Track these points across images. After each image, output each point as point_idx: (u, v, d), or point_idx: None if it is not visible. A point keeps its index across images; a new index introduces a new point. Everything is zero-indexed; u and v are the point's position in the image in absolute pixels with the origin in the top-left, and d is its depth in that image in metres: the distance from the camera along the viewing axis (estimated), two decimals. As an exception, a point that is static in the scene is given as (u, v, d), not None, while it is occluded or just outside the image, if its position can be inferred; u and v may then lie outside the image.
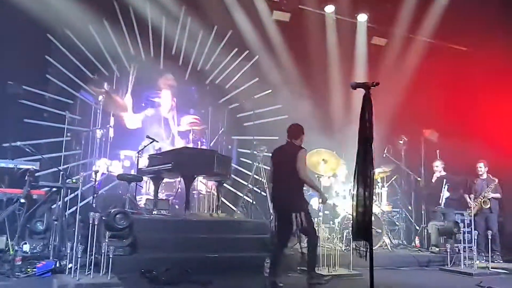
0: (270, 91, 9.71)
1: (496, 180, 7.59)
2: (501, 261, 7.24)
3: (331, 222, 7.52)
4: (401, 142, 8.57)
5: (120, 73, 8.94)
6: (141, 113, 9.22)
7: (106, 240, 4.73)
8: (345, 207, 7.33)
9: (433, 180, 8.26)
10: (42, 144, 7.62)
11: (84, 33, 8.36)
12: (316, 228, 6.85)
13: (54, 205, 6.40)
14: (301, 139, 5.18)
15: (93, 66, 8.60)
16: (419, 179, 8.49)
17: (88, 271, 4.71)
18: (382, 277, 5.79)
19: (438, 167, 8.12)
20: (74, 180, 5.59)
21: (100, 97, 8.65)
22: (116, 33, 8.73)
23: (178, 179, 8.40)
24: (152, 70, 9.23)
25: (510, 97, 8.95)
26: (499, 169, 8.02)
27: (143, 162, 7.74)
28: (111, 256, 4.57)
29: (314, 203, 8.10)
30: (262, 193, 8.49)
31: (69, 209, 6.42)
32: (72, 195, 6.54)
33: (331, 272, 5.64)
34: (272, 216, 7.18)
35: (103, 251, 4.67)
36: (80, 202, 6.04)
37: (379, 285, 5.26)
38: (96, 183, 7.00)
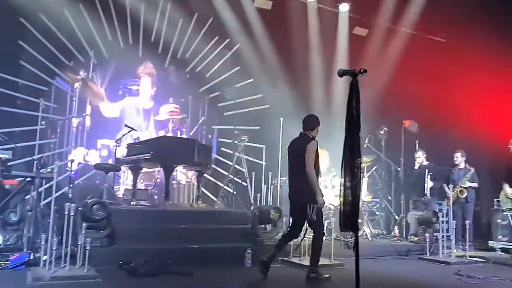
0: (251, 80, 9.60)
1: (473, 169, 7.70)
2: (475, 250, 7.37)
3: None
4: (382, 132, 8.60)
5: (97, 60, 8.66)
6: (119, 101, 8.99)
7: (83, 232, 4.58)
8: (326, 198, 7.31)
9: (416, 167, 8.27)
10: (15, 133, 7.35)
11: (59, 17, 8.04)
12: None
13: (28, 196, 6.20)
14: (317, 130, 5.14)
15: (68, 52, 8.30)
16: (399, 169, 8.55)
17: (63, 264, 4.57)
18: (363, 267, 5.78)
19: (420, 157, 8.17)
20: (49, 170, 5.39)
21: (76, 85, 8.40)
22: (93, 19, 8.44)
23: (157, 168, 8.28)
24: (131, 58, 8.99)
25: (487, 88, 9.10)
26: (477, 159, 8.15)
27: (121, 152, 7.58)
28: (88, 248, 4.44)
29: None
30: (243, 183, 8.42)
31: (43, 200, 6.23)
32: (47, 185, 6.34)
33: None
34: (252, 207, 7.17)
35: (79, 243, 4.53)
36: (56, 192, 5.87)
37: (363, 275, 5.33)
38: (72, 172, 6.81)
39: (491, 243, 7.80)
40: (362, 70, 2.62)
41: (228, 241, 5.94)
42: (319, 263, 5.00)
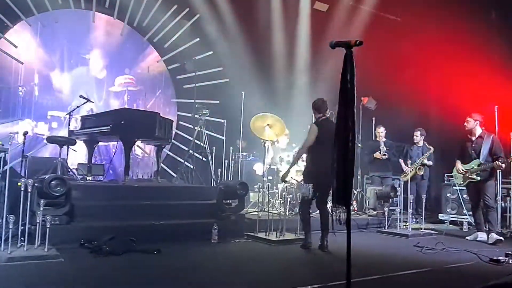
0: (211, 52, 9.31)
1: (432, 149, 7.98)
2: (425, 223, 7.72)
3: (274, 188, 7.51)
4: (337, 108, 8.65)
5: (45, 25, 7.99)
6: (70, 70, 8.40)
7: (41, 209, 4.27)
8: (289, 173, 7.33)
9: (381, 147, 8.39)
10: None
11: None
12: (261, 192, 6.91)
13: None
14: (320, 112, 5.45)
15: (13, 14, 7.58)
16: (360, 145, 8.71)
17: (20, 243, 4.26)
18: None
19: (382, 132, 8.34)
20: (0, 142, 4.95)
21: (22, 51, 7.75)
22: (40, -22, 7.76)
23: (113, 142, 7.92)
24: (83, 24, 8.40)
25: (441, 65, 9.44)
26: (427, 136, 8.46)
27: (74, 124, 7.16)
28: (48, 227, 4.14)
29: (258, 168, 8.06)
30: (203, 159, 8.26)
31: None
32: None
33: (279, 237, 5.64)
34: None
35: (37, 221, 4.23)
36: (3, 166, 5.43)
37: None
38: (18, 145, 6.34)
39: (440, 216, 8.23)
40: (357, 42, 2.52)
41: (193, 217, 5.79)
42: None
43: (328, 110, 5.54)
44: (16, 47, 7.70)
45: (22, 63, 7.75)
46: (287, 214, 6.51)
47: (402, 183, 7.31)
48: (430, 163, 8.00)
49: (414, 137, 8.20)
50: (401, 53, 10.18)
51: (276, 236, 5.64)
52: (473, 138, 6.48)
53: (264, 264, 4.60)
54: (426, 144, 8.12)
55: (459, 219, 7.92)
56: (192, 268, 4.24)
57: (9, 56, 7.63)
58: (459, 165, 6.49)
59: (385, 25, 10.37)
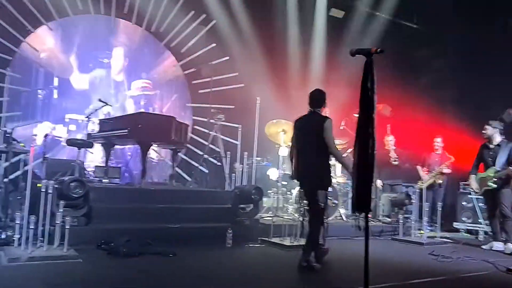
0: (227, 58, 9.38)
1: (453, 158, 7.89)
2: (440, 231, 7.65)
3: (288, 193, 7.53)
4: (356, 115, 8.63)
5: (65, 29, 8.15)
6: (89, 73, 8.55)
7: (60, 210, 4.35)
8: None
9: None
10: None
11: (24, -19, 7.49)
12: (275, 198, 6.92)
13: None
14: (325, 106, 4.69)
15: (35, 19, 7.74)
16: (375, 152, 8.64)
17: (39, 243, 4.34)
18: (341, 247, 5.93)
19: (391, 141, 8.31)
20: (22, 144, 5.06)
21: (43, 54, 7.92)
22: (61, -16, 7.93)
23: (129, 146, 8.02)
24: (102, 29, 8.54)
25: (458, 73, 9.40)
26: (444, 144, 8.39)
27: (92, 127, 7.26)
28: (67, 228, 4.22)
29: (272, 173, 8.07)
30: (218, 163, 8.31)
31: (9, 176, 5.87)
32: (13, 160, 5.98)
33: (293, 242, 5.64)
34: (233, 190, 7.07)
35: (57, 222, 4.31)
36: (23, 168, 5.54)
37: (341, 254, 5.42)
38: (36, 148, 6.45)
39: (455, 225, 8.15)
40: (378, 50, 2.54)
41: (207, 221, 5.84)
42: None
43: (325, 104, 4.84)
44: (37, 51, 7.86)
45: (42, 67, 7.90)
46: (301, 220, 6.51)
47: (418, 190, 7.25)
48: (449, 170, 7.93)
49: (435, 143, 8.12)
50: (417, 60, 10.18)
51: (290, 241, 5.65)
52: (491, 146, 6.42)
53: (279, 269, 4.61)
54: (446, 153, 8.03)
55: (474, 228, 7.84)
56: (207, 271, 4.27)
57: (30, 59, 7.79)
58: (472, 181, 6.49)
59: (402, 32, 10.37)
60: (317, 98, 4.66)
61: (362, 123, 2.53)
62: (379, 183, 7.98)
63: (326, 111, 4.81)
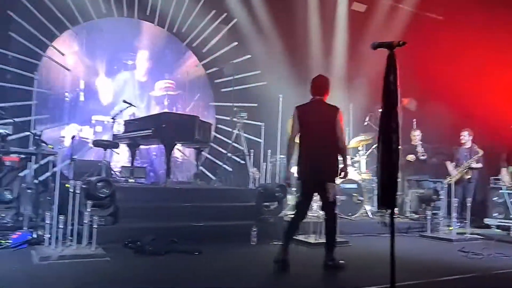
0: (249, 56, 9.38)
1: (481, 152, 7.69)
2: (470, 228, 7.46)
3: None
4: (381, 110, 8.48)
5: (90, 33, 8.32)
6: (113, 76, 8.70)
7: (88, 210, 4.45)
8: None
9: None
10: (6, 108, 7.05)
11: (50, -14, 7.67)
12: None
13: (22, 173, 6.00)
14: (328, 93, 4.45)
15: (61, 23, 7.93)
16: (400, 147, 8.50)
17: (69, 242, 4.44)
18: (367, 244, 5.87)
19: (418, 136, 8.15)
20: (51, 146, 5.19)
21: (69, 58, 8.10)
22: (86, -12, 8.08)
23: (154, 145, 8.13)
24: (126, 31, 8.68)
25: (485, 66, 9.10)
26: (473, 139, 8.17)
27: (117, 128, 7.39)
28: (95, 227, 4.31)
29: (296, 171, 8.03)
30: (242, 161, 8.33)
31: (39, 177, 6.05)
32: (43, 161, 6.16)
33: (317, 239, 5.60)
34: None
35: (85, 221, 4.40)
36: (53, 169, 5.69)
37: (367, 251, 5.36)
38: (64, 149, 6.62)
39: (486, 220, 7.92)
40: (401, 42, 2.48)
41: (232, 219, 5.86)
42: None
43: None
44: (63, 54, 8.04)
45: (69, 70, 8.09)
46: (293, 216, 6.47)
47: (446, 186, 7.08)
48: (480, 165, 7.71)
49: (461, 137, 7.92)
50: (443, 52, 9.92)
51: (315, 239, 5.61)
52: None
53: (304, 267, 4.58)
54: (475, 147, 7.82)
55: (506, 224, 7.60)
56: (233, 270, 4.29)
57: (57, 63, 7.98)
58: (504, 174, 6.28)
59: (426, 25, 10.13)
60: (322, 85, 4.44)
61: (385, 118, 2.48)
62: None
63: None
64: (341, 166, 4.44)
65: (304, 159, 4.36)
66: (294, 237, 5.00)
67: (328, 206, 4.37)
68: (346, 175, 4.54)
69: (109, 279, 3.75)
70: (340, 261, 4.40)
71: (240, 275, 4.12)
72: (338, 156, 4.41)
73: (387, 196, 2.45)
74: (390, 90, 2.48)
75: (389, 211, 2.49)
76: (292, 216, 4.64)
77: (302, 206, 4.48)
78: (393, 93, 2.48)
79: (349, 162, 5.31)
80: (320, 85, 4.45)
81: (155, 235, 4.89)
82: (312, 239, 5.65)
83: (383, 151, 2.45)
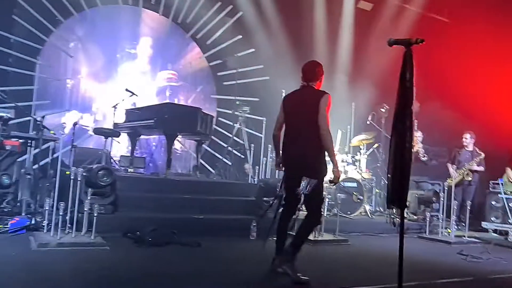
0: (253, 50, 9.32)
1: (483, 155, 7.68)
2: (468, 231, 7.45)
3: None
4: (383, 110, 8.48)
5: (93, 19, 8.23)
6: (116, 63, 8.61)
7: (89, 198, 4.40)
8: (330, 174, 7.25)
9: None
10: (7, 92, 6.97)
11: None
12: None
13: (21, 158, 5.94)
14: (321, 80, 3.94)
15: (64, 9, 7.84)
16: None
17: (68, 230, 4.40)
18: (366, 243, 5.85)
19: (419, 137, 8.12)
20: (52, 131, 5.13)
21: (72, 44, 8.02)
22: (90, -25, 7.99)
23: (154, 136, 8.07)
24: (129, 19, 8.59)
25: (490, 70, 9.09)
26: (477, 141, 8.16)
27: (118, 117, 7.32)
28: (95, 215, 4.27)
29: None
30: (241, 156, 8.30)
31: (38, 163, 5.97)
32: (44, 147, 6.08)
33: (317, 237, 5.58)
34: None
35: (85, 209, 4.36)
36: (52, 155, 5.63)
37: (367, 251, 5.34)
38: (64, 136, 6.56)
39: (484, 224, 7.92)
40: (418, 40, 2.45)
41: (231, 213, 5.83)
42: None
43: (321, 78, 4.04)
44: (66, 40, 7.96)
45: (71, 57, 8.00)
46: (325, 215, 6.44)
47: (446, 188, 7.07)
48: (481, 168, 7.70)
49: (463, 139, 7.90)
50: (447, 55, 9.89)
51: (314, 236, 5.58)
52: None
53: (304, 264, 4.55)
54: (477, 149, 7.80)
55: (504, 229, 7.60)
56: (232, 263, 4.26)
57: (59, 49, 7.89)
58: (510, 173, 6.24)
59: (432, 26, 10.09)
60: (312, 70, 3.94)
61: (400, 116, 2.44)
62: None
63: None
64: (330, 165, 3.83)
65: (283, 151, 3.94)
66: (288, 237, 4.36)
67: (309, 202, 3.79)
68: (337, 178, 3.84)
69: (108, 268, 3.70)
70: (302, 277, 3.73)
71: (239, 269, 4.09)
72: (322, 148, 3.75)
73: (398, 195, 2.41)
74: (405, 88, 2.44)
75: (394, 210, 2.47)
76: (281, 212, 4.14)
77: (287, 202, 4.02)
78: (408, 91, 2.43)
79: (339, 158, 4.83)
80: (308, 70, 3.95)
81: (154, 225, 4.85)
82: (311, 235, 5.60)
83: (396, 149, 2.41)
